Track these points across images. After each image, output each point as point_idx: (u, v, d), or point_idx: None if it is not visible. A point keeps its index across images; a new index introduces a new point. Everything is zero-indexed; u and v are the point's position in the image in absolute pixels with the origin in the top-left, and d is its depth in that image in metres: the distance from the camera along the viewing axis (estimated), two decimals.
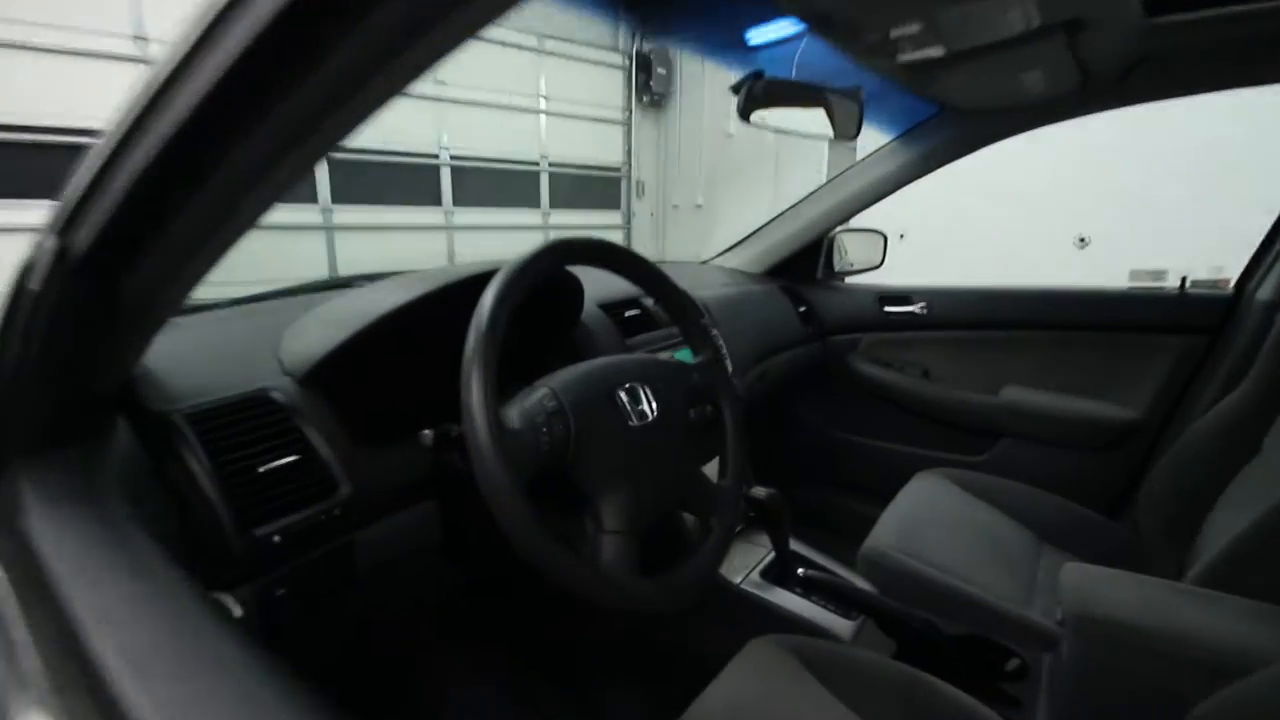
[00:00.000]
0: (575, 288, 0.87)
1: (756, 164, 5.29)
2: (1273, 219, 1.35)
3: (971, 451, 1.63)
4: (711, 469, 0.75)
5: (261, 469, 0.60)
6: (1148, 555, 1.19)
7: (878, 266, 1.88)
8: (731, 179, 5.49)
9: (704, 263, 1.83)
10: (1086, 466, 1.51)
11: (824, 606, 0.99)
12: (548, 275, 0.69)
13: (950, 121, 1.40)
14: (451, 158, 4.55)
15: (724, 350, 1.03)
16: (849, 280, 1.86)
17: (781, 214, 1.77)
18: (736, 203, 5.39)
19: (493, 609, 1.22)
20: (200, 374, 0.67)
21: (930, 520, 1.22)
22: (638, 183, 5.76)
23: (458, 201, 4.63)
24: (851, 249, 1.87)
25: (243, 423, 0.62)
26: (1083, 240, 4.66)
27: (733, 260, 1.81)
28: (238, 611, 0.56)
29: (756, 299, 1.56)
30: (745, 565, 1.07)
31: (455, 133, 4.51)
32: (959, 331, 1.66)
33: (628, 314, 1.11)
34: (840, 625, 0.96)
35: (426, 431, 0.55)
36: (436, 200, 4.55)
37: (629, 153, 5.65)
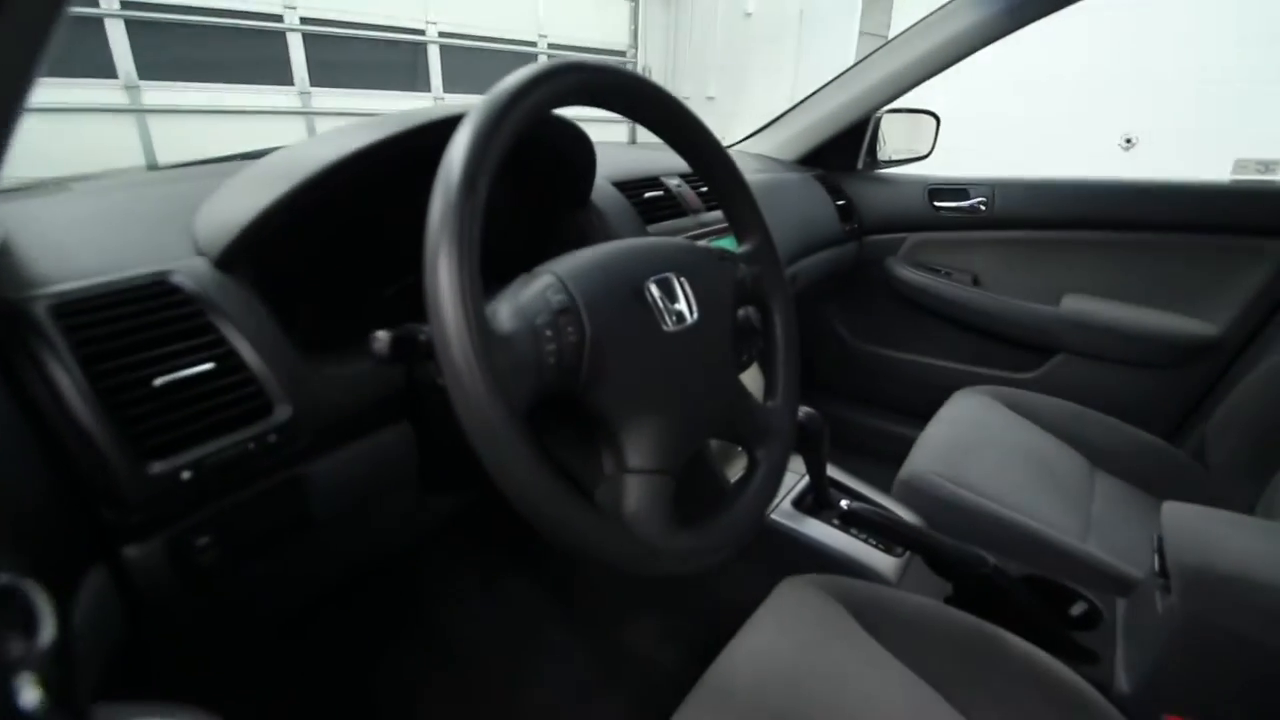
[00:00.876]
0: (585, 146, 0.67)
1: (776, 49, 4.80)
2: None
3: (1020, 368, 1.48)
4: (751, 383, 0.59)
5: (158, 381, 0.44)
6: (1215, 487, 1.06)
7: (925, 156, 1.65)
8: (748, 68, 5.01)
9: (729, 147, 1.60)
10: (1147, 386, 1.36)
11: (865, 541, 0.87)
12: (546, 120, 0.49)
13: None
14: (440, 34, 4.09)
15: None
16: (894, 171, 1.63)
17: (815, 92, 1.51)
18: (753, 93, 4.94)
19: (489, 547, 1.12)
20: (81, 252, 0.49)
21: (975, 443, 1.09)
22: (644, 68, 5.27)
23: (449, 85, 4.22)
24: (895, 135, 1.62)
25: (133, 317, 0.45)
26: (1129, 141, 4.30)
27: (760, 145, 1.57)
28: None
29: (792, 189, 1.35)
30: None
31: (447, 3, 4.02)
32: (1018, 231, 1.46)
33: (648, 194, 0.91)
34: (884, 563, 0.84)
35: (380, 334, 0.39)
36: (412, 85, 4.11)
37: (635, 34, 5.12)
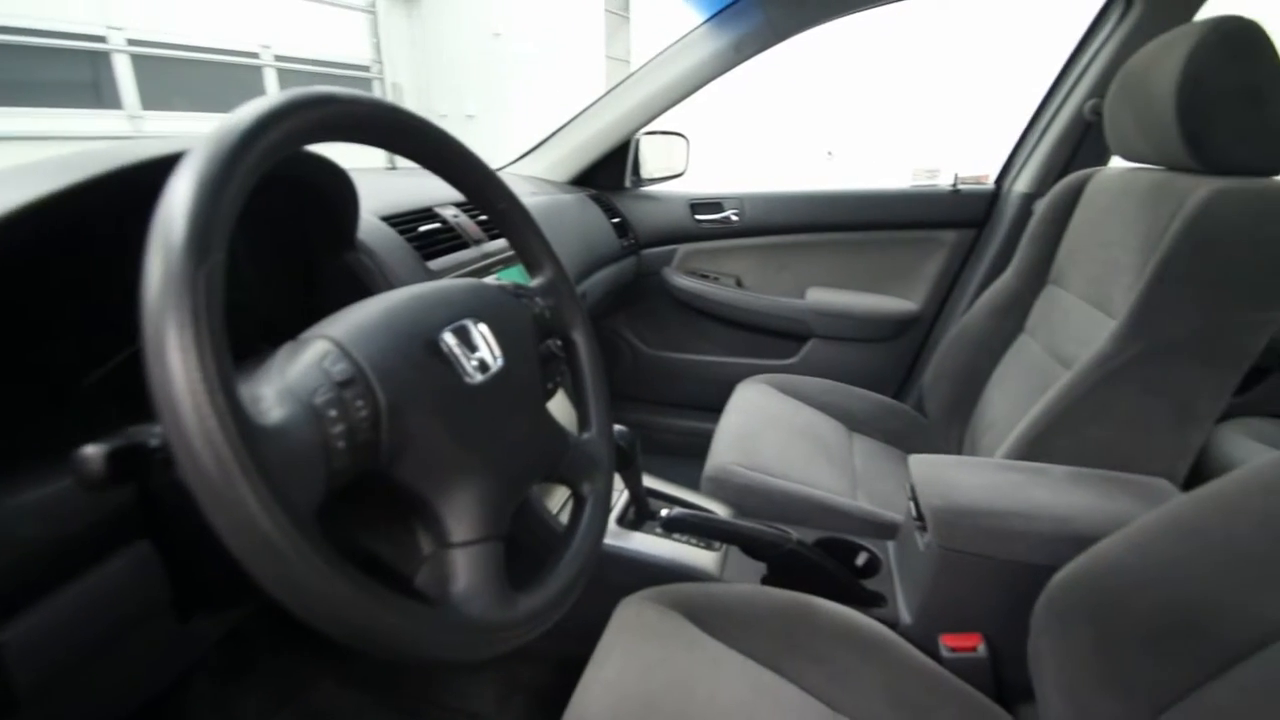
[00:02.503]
0: (342, 180, 0.59)
1: (532, 70, 4.87)
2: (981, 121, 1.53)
3: (785, 355, 1.69)
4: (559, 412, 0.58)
5: None
6: (934, 431, 1.32)
7: (682, 174, 1.80)
8: (507, 87, 5.01)
9: (500, 170, 1.57)
10: (877, 357, 1.65)
11: (687, 543, 0.91)
12: (291, 157, 0.43)
13: (760, 4, 1.30)
14: (129, 41, 3.39)
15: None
16: (658, 188, 1.75)
17: (578, 115, 1.56)
18: (515, 114, 4.95)
19: (281, 654, 0.94)
20: None
21: (760, 428, 1.22)
22: (393, 86, 4.97)
23: (150, 103, 3.50)
24: (653, 155, 1.75)
25: None
26: (830, 153, 5.20)
27: (531, 167, 1.57)
28: None
29: (570, 209, 1.37)
30: None
31: (136, 5, 3.32)
32: (767, 237, 1.66)
33: (423, 228, 0.84)
34: (707, 560, 0.89)
35: (90, 450, 0.29)
36: (111, 101, 3.36)
37: (378, 48, 4.80)
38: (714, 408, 1.36)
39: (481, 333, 0.46)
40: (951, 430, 1.28)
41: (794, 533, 0.90)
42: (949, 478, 0.80)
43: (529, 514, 0.83)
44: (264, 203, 0.50)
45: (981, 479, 0.79)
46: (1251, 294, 0.76)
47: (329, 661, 0.97)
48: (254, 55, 3.97)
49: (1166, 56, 0.83)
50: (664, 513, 0.87)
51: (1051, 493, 0.76)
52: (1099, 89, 1.27)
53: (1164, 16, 1.18)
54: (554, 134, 1.58)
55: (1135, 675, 0.57)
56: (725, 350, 1.73)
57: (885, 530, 0.99)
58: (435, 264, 0.80)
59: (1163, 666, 0.56)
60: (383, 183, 1.00)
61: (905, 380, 1.66)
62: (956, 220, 1.54)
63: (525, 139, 1.64)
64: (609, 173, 1.61)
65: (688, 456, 1.30)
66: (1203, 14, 1.19)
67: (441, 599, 0.38)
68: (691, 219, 1.67)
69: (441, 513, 0.38)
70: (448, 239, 0.87)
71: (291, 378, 0.34)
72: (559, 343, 0.61)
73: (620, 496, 0.98)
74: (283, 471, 0.29)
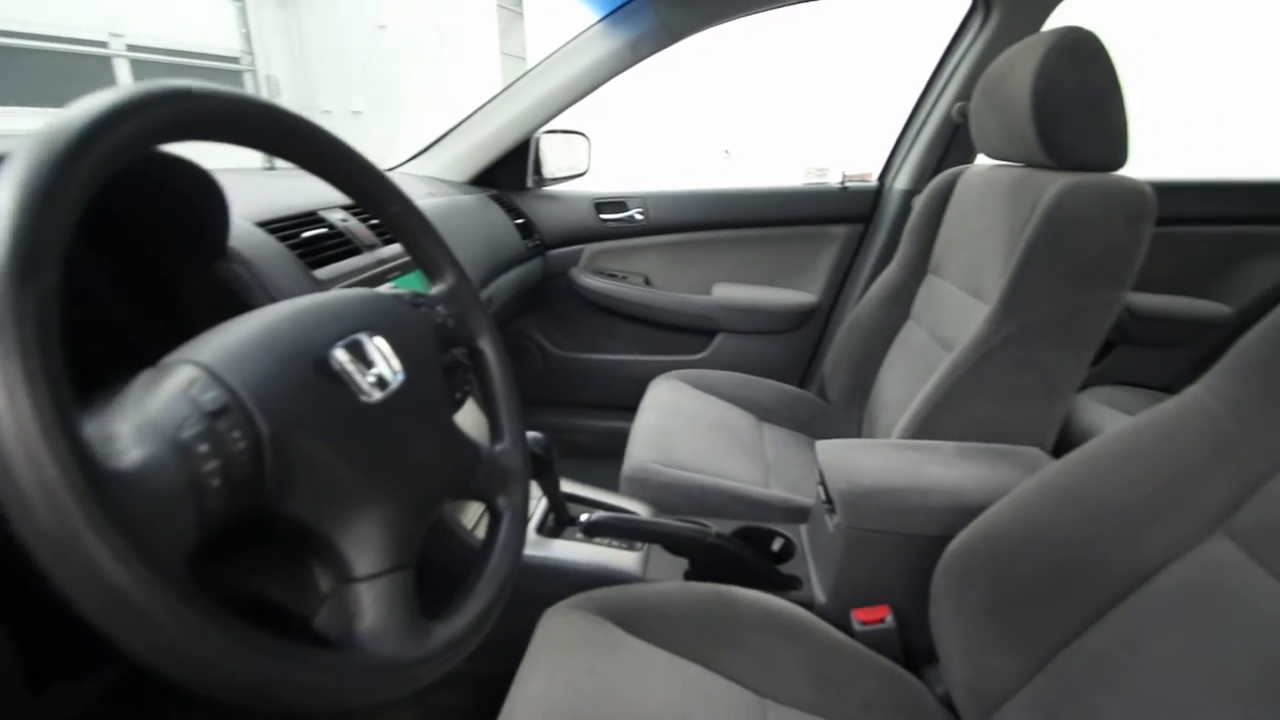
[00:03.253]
0: (206, 183, 0.53)
1: (423, 65, 4.67)
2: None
3: (695, 350, 1.72)
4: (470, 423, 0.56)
5: None
6: (836, 416, 1.40)
7: (584, 173, 1.78)
8: (398, 83, 4.77)
9: (388, 170, 1.48)
10: (781, 348, 1.71)
11: (609, 545, 0.91)
12: (141, 159, 0.38)
13: (652, 5, 1.31)
14: None
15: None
16: (562, 188, 1.73)
17: (475, 112, 1.51)
18: (407, 110, 4.72)
19: (167, 710, 0.84)
20: None
21: (675, 424, 1.24)
22: (267, 79, 4.61)
23: None
24: (554, 154, 1.72)
25: None
26: (727, 152, 5.36)
27: (427, 166, 1.50)
28: None
29: (471, 211, 1.32)
30: None
31: None
32: (673, 235, 1.68)
33: (306, 233, 0.78)
34: (629, 560, 0.89)
35: None
36: None
37: (248, 38, 4.43)
38: (628, 406, 1.36)
39: (378, 346, 0.42)
40: (851, 413, 1.35)
41: (712, 525, 0.91)
42: (852, 461, 0.84)
43: (442, 534, 0.79)
44: (115, 209, 0.44)
45: (881, 460, 0.84)
46: (1101, 277, 0.85)
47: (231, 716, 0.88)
48: (102, 44, 3.54)
49: (1020, 64, 0.91)
50: (584, 518, 0.86)
51: (942, 468, 0.81)
52: (965, 92, 1.39)
53: (1017, 26, 1.30)
54: (450, 132, 1.52)
55: (1024, 630, 0.63)
56: (636, 348, 1.74)
57: (798, 515, 1.03)
58: (323, 273, 0.74)
59: (1047, 619, 0.61)
60: (259, 184, 0.92)
61: (808, 369, 1.74)
62: (845, 216, 1.63)
63: (419, 137, 1.57)
64: (509, 172, 1.57)
65: (605, 457, 1.29)
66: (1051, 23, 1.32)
67: (346, 640, 0.35)
68: (597, 218, 1.66)
69: (341, 546, 0.35)
70: (336, 245, 0.81)
71: (152, 411, 0.30)
72: (465, 352, 0.58)
73: (539, 504, 0.96)
74: (142, 519, 0.26)
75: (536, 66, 1.47)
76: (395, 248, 0.91)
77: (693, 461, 1.11)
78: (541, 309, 1.74)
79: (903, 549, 0.79)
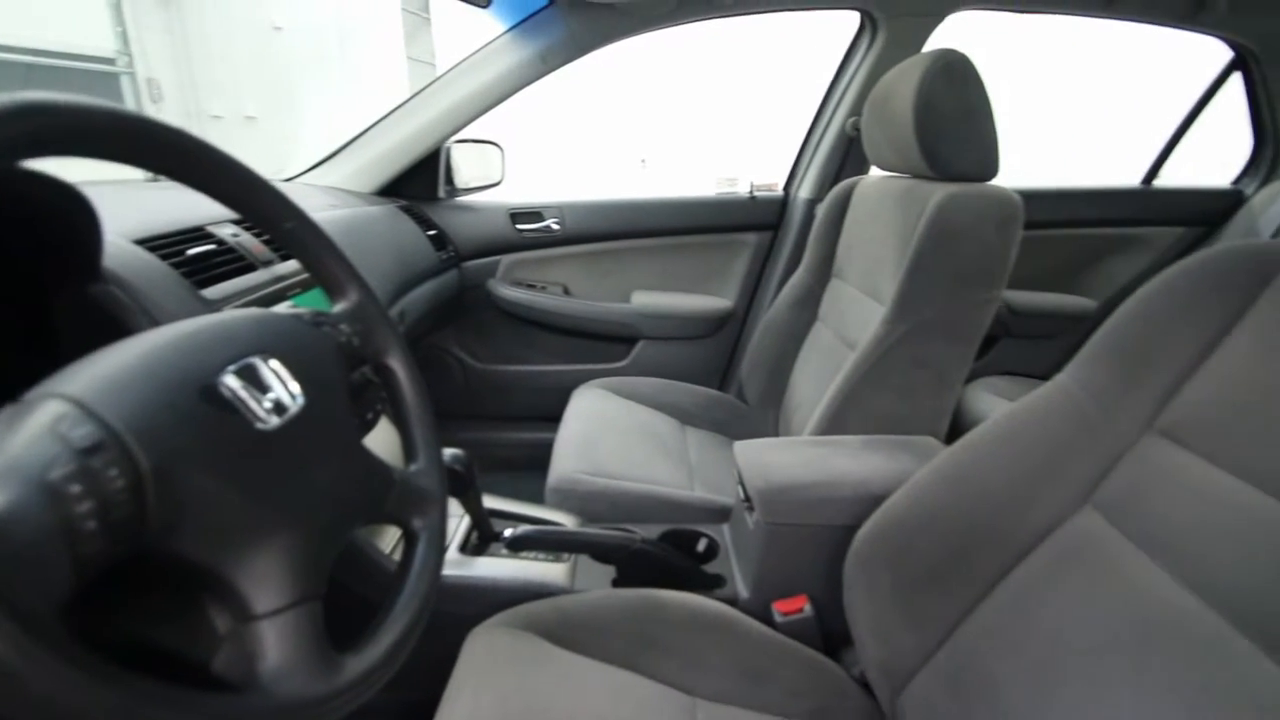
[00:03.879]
0: (74, 202, 0.49)
1: (323, 68, 4.46)
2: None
3: (617, 358, 1.73)
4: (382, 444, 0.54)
5: None
6: (756, 417, 1.45)
7: (499, 183, 1.76)
8: (296, 87, 4.52)
9: (288, 180, 1.41)
10: (701, 353, 1.76)
11: (534, 559, 0.90)
12: None
13: (561, 16, 1.32)
14: None
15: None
16: (476, 198, 1.70)
17: (380, 120, 1.46)
18: (307, 115, 4.49)
19: None
20: None
21: (599, 433, 1.25)
22: (148, 82, 4.26)
23: None
24: (467, 164, 1.70)
25: None
26: (643, 161, 5.45)
27: (330, 176, 1.44)
28: None
29: (379, 223, 1.28)
30: None
31: None
32: (591, 245, 1.69)
33: (193, 250, 0.73)
34: (556, 572, 0.88)
35: None
36: None
37: (125, 37, 4.08)
38: (552, 417, 1.36)
39: (274, 370, 0.41)
40: (769, 413, 1.40)
41: (638, 531, 0.93)
42: (767, 459, 0.88)
43: (356, 561, 0.76)
44: None
45: (793, 457, 0.88)
46: (980, 278, 0.93)
47: None
48: None
49: (902, 84, 0.99)
50: (508, 533, 0.85)
51: (849, 461, 0.86)
52: (857, 108, 1.48)
53: (900, 48, 1.41)
54: (355, 140, 1.46)
55: (925, 609, 0.67)
56: (558, 358, 1.74)
57: (721, 515, 1.06)
58: (212, 292, 0.69)
59: (945, 597, 0.66)
60: (140, 198, 0.85)
61: (727, 372, 1.79)
62: (755, 224, 1.69)
63: (320, 145, 1.50)
64: (420, 183, 1.53)
65: (531, 469, 1.28)
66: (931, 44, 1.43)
67: (248, 682, 0.33)
68: (513, 229, 1.65)
69: (238, 583, 0.34)
70: (227, 262, 0.76)
71: (14, 451, 0.28)
72: (373, 370, 0.56)
73: (460, 522, 0.94)
74: (3, 569, 0.24)
75: (445, 74, 1.44)
76: (294, 263, 0.87)
77: (618, 469, 1.12)
78: (459, 322, 1.70)
79: (816, 540, 0.83)
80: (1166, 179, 1.75)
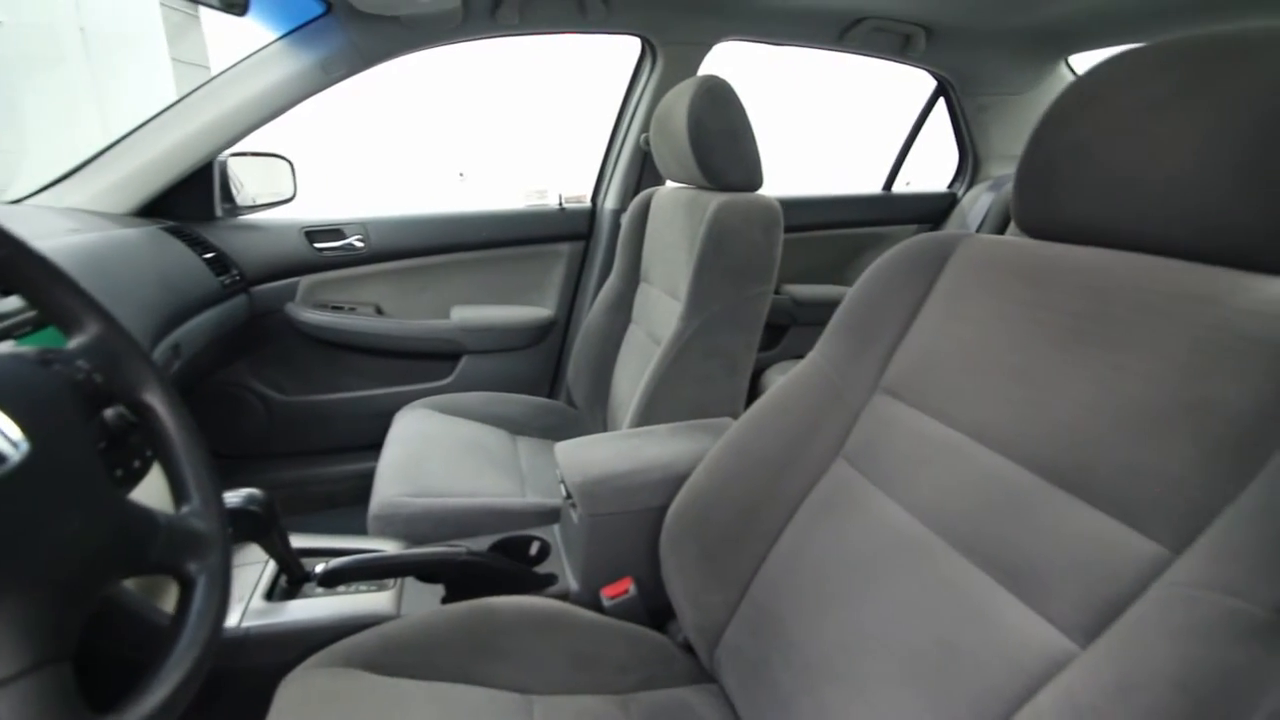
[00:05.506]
0: None
1: (63, 70, 3.76)
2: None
3: (441, 376, 1.69)
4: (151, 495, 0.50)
5: None
6: (586, 420, 1.50)
7: (290, 199, 1.63)
8: (22, 91, 3.76)
9: (15, 202, 1.19)
10: (528, 362, 1.78)
11: (355, 592, 0.86)
12: None
13: (341, 26, 1.26)
14: None
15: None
16: (263, 217, 1.55)
17: (138, 129, 1.28)
18: (40, 125, 3.74)
19: None
20: None
21: (424, 453, 1.22)
22: None
23: None
24: (251, 179, 1.55)
25: None
26: (461, 174, 5.33)
27: (72, 196, 1.23)
28: None
29: (139, 248, 1.12)
30: (239, 597, 0.82)
31: None
32: (402, 261, 1.63)
33: None
34: (380, 601, 0.85)
35: None
36: None
37: None
38: (376, 445, 1.29)
39: None
40: (596, 415, 1.46)
41: (466, 545, 0.92)
42: (585, 455, 0.93)
43: (118, 614, 0.67)
44: None
45: (608, 450, 0.94)
46: (751, 274, 1.06)
47: None
48: None
49: (677, 105, 1.10)
50: (318, 569, 0.80)
51: (657, 447, 0.94)
52: (648, 123, 1.60)
53: (676, 72, 1.55)
54: (103, 153, 1.27)
55: (726, 568, 0.76)
56: (377, 382, 1.65)
57: (552, 517, 1.09)
58: None
59: (741, 555, 0.75)
60: None
61: (555, 379, 1.83)
62: (567, 234, 1.75)
63: (58, 159, 1.27)
64: (191, 200, 1.37)
65: (357, 504, 1.21)
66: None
67: None
68: (309, 248, 1.53)
69: None
70: None
71: None
72: (130, 409, 0.51)
73: (265, 567, 0.87)
74: None
75: (211, 81, 1.30)
76: (15, 299, 0.75)
77: (443, 486, 1.10)
78: (256, 353, 1.55)
79: (635, 524, 0.89)
80: (927, 184, 2.12)
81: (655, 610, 0.91)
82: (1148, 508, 0.45)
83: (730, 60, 1.65)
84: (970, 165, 2.00)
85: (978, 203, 1.88)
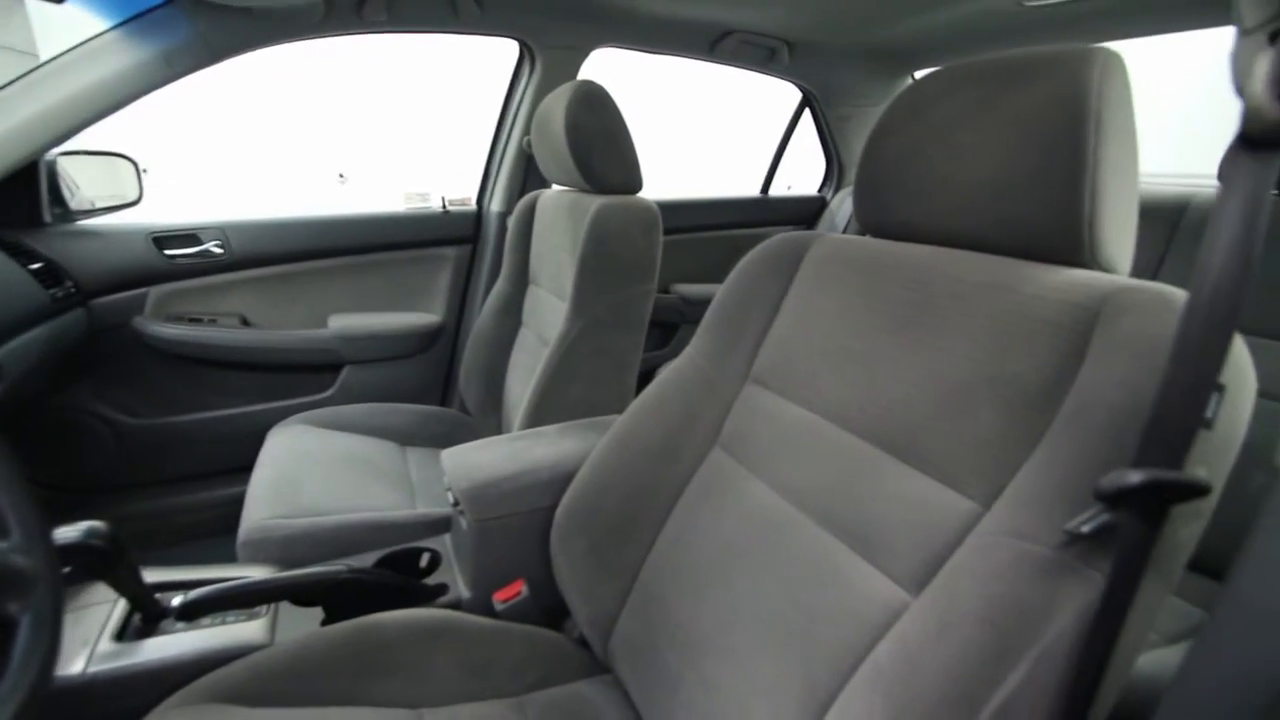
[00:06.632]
0: None
1: None
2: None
3: (320, 389, 1.59)
4: None
5: None
6: (480, 425, 1.48)
7: (136, 202, 1.48)
8: None
9: None
10: (415, 370, 1.72)
11: (222, 624, 0.80)
12: None
13: (186, 15, 1.16)
14: None
15: None
16: (103, 221, 1.40)
17: None
18: None
19: None
20: None
21: (300, 472, 1.15)
22: None
23: None
24: (89, 180, 1.39)
25: None
26: (342, 176, 5.04)
27: None
28: None
29: None
30: (83, 641, 0.73)
31: None
32: (269, 268, 1.52)
33: None
34: (251, 630, 0.79)
35: None
36: None
37: None
38: (247, 466, 1.20)
39: None
40: (490, 420, 1.44)
41: (347, 563, 0.88)
42: (471, 460, 0.92)
43: None
44: None
45: (495, 453, 0.94)
46: (633, 274, 1.10)
47: None
48: None
49: (555, 109, 1.11)
50: (175, 602, 0.74)
51: (546, 447, 0.95)
52: (529, 127, 1.60)
53: (555, 76, 1.56)
54: None
55: (615, 560, 0.78)
56: (246, 399, 1.53)
57: (443, 526, 1.07)
58: None
59: (627, 546, 0.78)
60: None
61: (446, 386, 1.78)
62: (452, 238, 1.71)
63: None
64: (10, 204, 1.21)
65: (228, 532, 1.12)
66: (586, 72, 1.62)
67: None
68: (159, 255, 1.40)
69: None
70: None
71: None
72: None
73: (115, 606, 0.79)
74: None
75: (36, 70, 1.15)
76: None
77: (322, 504, 1.05)
78: (99, 373, 1.39)
79: (525, 526, 0.89)
80: (810, 187, 2.25)
81: (550, 609, 0.92)
82: (964, 470, 0.52)
83: (611, 67, 1.68)
84: (836, 171, 2.16)
85: (843, 206, 2.04)
